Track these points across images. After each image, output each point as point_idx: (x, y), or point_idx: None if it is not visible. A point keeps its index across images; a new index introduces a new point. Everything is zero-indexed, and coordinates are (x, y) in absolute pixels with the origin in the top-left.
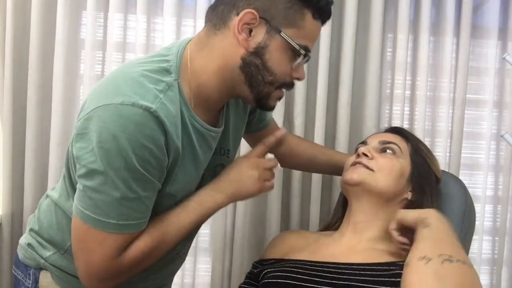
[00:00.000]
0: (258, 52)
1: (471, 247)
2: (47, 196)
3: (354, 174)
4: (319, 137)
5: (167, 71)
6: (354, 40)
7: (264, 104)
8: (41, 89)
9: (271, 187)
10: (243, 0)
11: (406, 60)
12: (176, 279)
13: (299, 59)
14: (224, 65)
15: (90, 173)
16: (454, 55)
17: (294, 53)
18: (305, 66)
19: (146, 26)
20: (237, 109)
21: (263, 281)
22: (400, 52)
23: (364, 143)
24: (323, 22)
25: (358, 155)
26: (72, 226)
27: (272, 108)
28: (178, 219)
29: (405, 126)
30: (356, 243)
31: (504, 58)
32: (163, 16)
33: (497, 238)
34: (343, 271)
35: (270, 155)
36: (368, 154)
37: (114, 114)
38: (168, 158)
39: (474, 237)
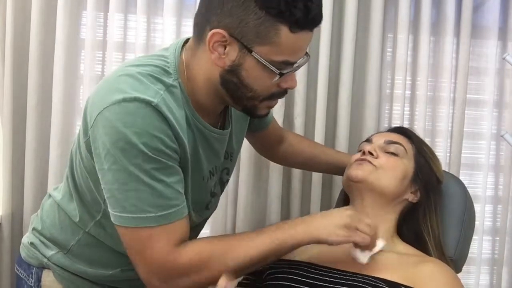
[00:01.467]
0: (234, 70)
1: (471, 247)
2: (50, 196)
3: (359, 171)
4: (319, 137)
5: (166, 72)
6: (354, 40)
7: (253, 115)
8: (41, 89)
9: (363, 238)
10: (215, 16)
11: (406, 60)
12: None
13: (275, 79)
14: (208, 79)
15: (114, 176)
16: (454, 55)
17: (270, 70)
18: (305, 66)
19: (146, 26)
20: (239, 112)
21: (266, 282)
22: (400, 52)
23: (369, 140)
24: (311, 29)
25: (364, 153)
26: (121, 236)
27: (263, 116)
28: (248, 239)
29: (405, 126)
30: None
31: (504, 58)
32: (163, 16)
33: (497, 238)
34: (347, 277)
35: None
36: (374, 153)
37: (118, 112)
38: (180, 145)
39: (474, 237)
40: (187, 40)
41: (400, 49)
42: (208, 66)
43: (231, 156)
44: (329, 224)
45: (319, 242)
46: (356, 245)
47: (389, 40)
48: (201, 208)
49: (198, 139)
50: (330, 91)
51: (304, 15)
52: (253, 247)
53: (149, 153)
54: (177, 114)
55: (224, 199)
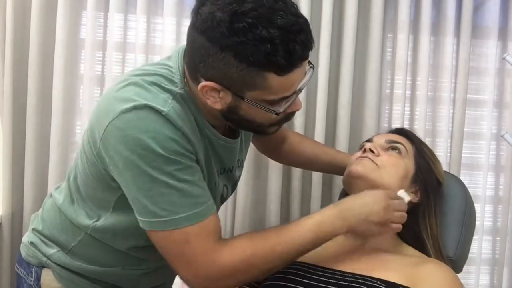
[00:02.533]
0: (232, 110)
1: (471, 247)
2: (51, 196)
3: (359, 166)
4: (319, 137)
5: (171, 81)
6: (354, 40)
7: (263, 135)
8: (41, 89)
9: (397, 228)
10: (202, 65)
11: (406, 60)
12: (177, 279)
13: (274, 116)
14: (210, 109)
15: (136, 184)
16: (454, 55)
17: (269, 105)
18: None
19: (146, 26)
20: None
21: (265, 282)
22: (400, 52)
23: (369, 140)
24: (300, 66)
25: (364, 151)
26: (154, 243)
27: (274, 133)
28: (290, 234)
29: (405, 126)
30: (360, 245)
31: (504, 58)
32: (163, 16)
33: (497, 238)
34: (345, 278)
35: (402, 195)
36: (374, 151)
37: (130, 120)
38: (194, 149)
39: (474, 237)
40: None
41: (400, 49)
42: (206, 102)
43: (241, 163)
44: (365, 220)
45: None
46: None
47: (389, 40)
48: None
49: (209, 144)
50: (330, 91)
51: (287, 60)
52: (292, 243)
53: (168, 155)
54: (187, 122)
55: None
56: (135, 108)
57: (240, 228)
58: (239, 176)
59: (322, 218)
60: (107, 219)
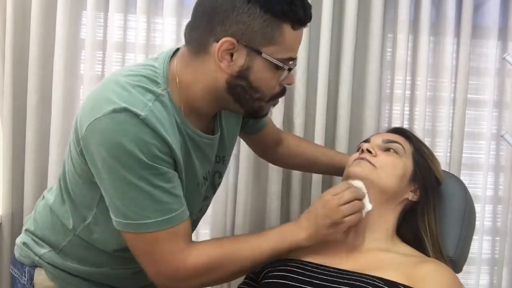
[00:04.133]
0: (243, 74)
1: (471, 247)
2: (43, 197)
3: (358, 168)
4: (319, 137)
5: (154, 82)
6: (354, 40)
7: (256, 116)
8: (41, 89)
9: (351, 221)
10: (220, 26)
11: (406, 60)
12: None
13: (284, 74)
14: (211, 86)
15: (112, 184)
16: (454, 55)
17: (278, 68)
18: (305, 66)
19: (146, 26)
20: (230, 115)
21: (264, 280)
22: (400, 52)
23: (367, 141)
24: (305, 26)
25: (362, 151)
26: (126, 240)
27: (264, 116)
28: (255, 241)
29: (405, 126)
30: (359, 244)
31: (504, 58)
32: (163, 16)
33: (497, 238)
34: (344, 276)
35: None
36: (372, 151)
37: (110, 123)
38: (172, 153)
39: (474, 237)
40: (176, 50)
41: (400, 49)
42: (209, 76)
43: (223, 159)
44: (318, 229)
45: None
46: None
47: (389, 40)
48: (192, 212)
49: (190, 146)
50: (330, 91)
51: (304, 12)
52: (257, 250)
53: (146, 160)
54: (166, 124)
55: (224, 199)
56: (114, 111)
57: (241, 228)
58: (222, 173)
59: (286, 228)
60: (93, 220)
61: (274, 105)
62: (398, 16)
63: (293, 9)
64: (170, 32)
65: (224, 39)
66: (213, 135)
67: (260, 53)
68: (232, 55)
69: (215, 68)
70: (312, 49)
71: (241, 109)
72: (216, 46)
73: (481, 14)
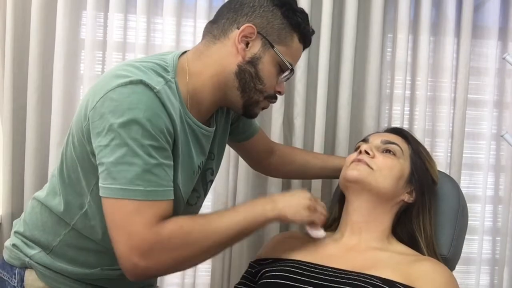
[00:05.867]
0: (253, 62)
1: (471, 247)
2: (33, 198)
3: (355, 171)
4: (319, 137)
5: (165, 70)
6: (354, 40)
7: (250, 111)
8: (41, 89)
9: (321, 218)
10: (244, 17)
11: (406, 60)
12: (176, 279)
13: (286, 74)
14: (221, 70)
15: (112, 150)
16: (454, 55)
17: (281, 68)
18: (305, 66)
19: (146, 26)
20: (223, 116)
21: (262, 281)
22: (400, 52)
23: (365, 140)
24: (304, 47)
25: (360, 152)
26: (104, 210)
27: (255, 116)
28: (224, 215)
29: (405, 126)
30: (356, 244)
31: (504, 58)
32: (163, 16)
33: (498, 238)
34: (342, 275)
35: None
36: (370, 152)
37: (125, 92)
38: (174, 134)
39: (474, 237)
40: (183, 53)
41: (400, 49)
42: (224, 59)
43: (214, 156)
44: (295, 204)
45: (284, 220)
46: (310, 224)
47: (389, 40)
48: (181, 199)
49: (189, 134)
50: (330, 91)
51: (309, 33)
52: (229, 223)
53: (150, 130)
54: (174, 106)
55: (224, 198)
56: (131, 83)
57: None
58: (214, 171)
59: (255, 202)
60: (89, 206)
61: (263, 108)
62: (398, 16)
63: (304, 25)
64: (170, 32)
65: (247, 24)
66: (209, 128)
67: (272, 47)
68: (247, 43)
69: (231, 51)
70: (312, 49)
71: (241, 98)
72: (237, 31)
73: (481, 14)
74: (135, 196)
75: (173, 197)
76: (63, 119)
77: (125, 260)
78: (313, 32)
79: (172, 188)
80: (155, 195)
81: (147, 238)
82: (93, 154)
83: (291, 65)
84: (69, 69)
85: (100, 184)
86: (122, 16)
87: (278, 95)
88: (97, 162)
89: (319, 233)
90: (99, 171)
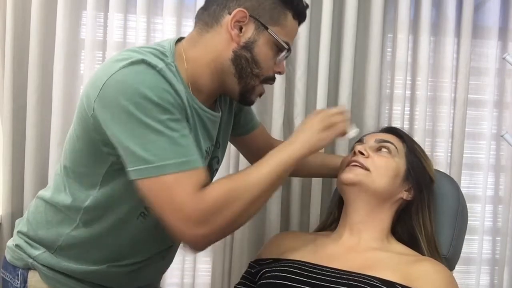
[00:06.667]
0: (248, 46)
1: (471, 247)
2: (37, 197)
3: (351, 174)
4: None
5: (164, 54)
6: (354, 40)
7: (247, 98)
8: (41, 89)
9: (342, 127)
10: (234, 1)
11: (406, 60)
12: (176, 279)
13: (283, 54)
14: (217, 57)
15: (130, 132)
16: (454, 55)
17: (278, 49)
18: (305, 65)
19: (146, 26)
20: (226, 106)
21: (262, 281)
22: (400, 52)
23: (360, 141)
24: (300, 23)
25: (355, 153)
26: (143, 192)
27: (252, 103)
28: (258, 165)
29: (405, 126)
30: (355, 244)
31: (504, 58)
32: (163, 16)
33: (498, 238)
34: (341, 276)
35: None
36: (364, 153)
37: (128, 73)
38: (185, 111)
39: (474, 237)
40: (179, 40)
41: (400, 49)
42: (219, 46)
43: (219, 145)
44: (313, 133)
45: (315, 151)
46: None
47: (389, 40)
48: None
49: (196, 118)
50: (330, 91)
51: (303, 8)
52: (265, 173)
53: (163, 104)
54: (179, 87)
55: None
56: (132, 63)
57: (240, 230)
58: (220, 159)
59: (282, 145)
60: (96, 197)
61: (260, 95)
62: (398, 16)
63: (296, 1)
64: (170, 32)
65: (239, 9)
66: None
67: (266, 28)
68: (241, 28)
69: (225, 38)
70: (312, 49)
71: (238, 84)
72: (229, 17)
73: (481, 14)
74: (170, 170)
75: (203, 164)
76: (63, 119)
77: (183, 235)
78: (307, 6)
79: (199, 156)
80: (188, 164)
81: (196, 207)
82: (105, 143)
83: (287, 44)
84: (69, 69)
85: (129, 169)
86: (122, 16)
87: (278, 75)
88: (117, 147)
89: (352, 132)
90: (122, 157)
